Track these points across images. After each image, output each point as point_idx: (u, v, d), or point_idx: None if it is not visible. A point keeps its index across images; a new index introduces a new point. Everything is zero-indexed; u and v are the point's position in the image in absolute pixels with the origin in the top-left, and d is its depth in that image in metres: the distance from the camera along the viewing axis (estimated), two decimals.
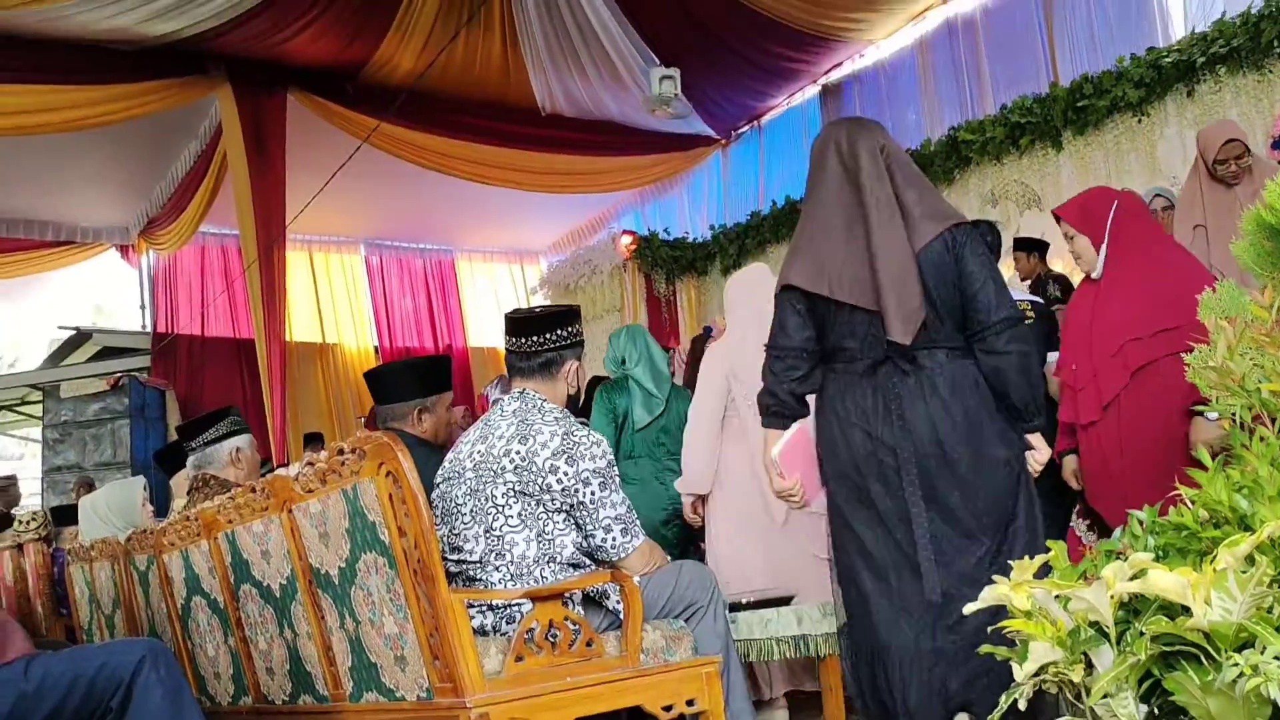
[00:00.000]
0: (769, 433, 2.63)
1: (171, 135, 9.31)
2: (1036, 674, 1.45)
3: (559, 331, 2.79)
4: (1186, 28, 7.00)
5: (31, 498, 10.25)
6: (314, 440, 8.19)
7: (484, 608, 2.53)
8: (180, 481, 4.33)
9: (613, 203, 12.32)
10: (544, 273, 12.44)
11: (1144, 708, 1.36)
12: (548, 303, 12.45)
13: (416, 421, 3.39)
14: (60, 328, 11.02)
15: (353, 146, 8.54)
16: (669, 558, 2.85)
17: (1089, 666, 1.40)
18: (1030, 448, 2.58)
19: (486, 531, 2.56)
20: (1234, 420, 1.74)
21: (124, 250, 11.34)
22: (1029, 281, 5.94)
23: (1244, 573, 1.28)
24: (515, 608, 2.50)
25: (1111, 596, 1.37)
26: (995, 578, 1.53)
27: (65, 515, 5.68)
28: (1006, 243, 5.45)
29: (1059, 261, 6.91)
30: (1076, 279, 6.50)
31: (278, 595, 2.65)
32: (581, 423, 2.77)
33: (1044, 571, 1.52)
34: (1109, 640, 1.38)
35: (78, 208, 10.48)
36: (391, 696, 2.34)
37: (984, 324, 2.44)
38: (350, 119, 8.87)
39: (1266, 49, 6.03)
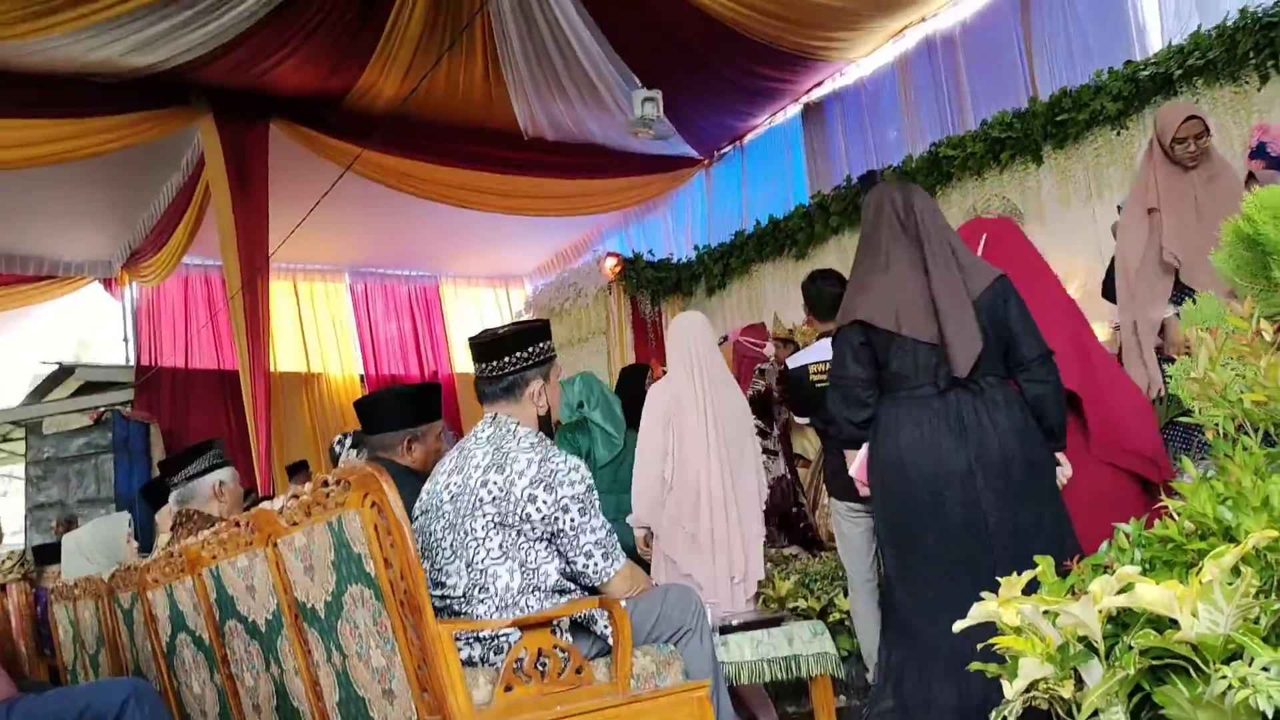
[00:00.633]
0: (847, 452, 3.06)
1: (154, 167, 9.29)
2: (1026, 690, 1.44)
3: (521, 352, 2.73)
4: (1163, 41, 7.06)
5: (15, 535, 10.17)
6: (297, 469, 8.14)
7: (470, 639, 2.50)
8: (165, 516, 4.30)
9: (597, 225, 12.33)
10: (529, 296, 12.44)
11: None
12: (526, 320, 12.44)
13: (406, 451, 3.37)
14: (43, 363, 10.96)
15: (336, 175, 8.53)
16: (651, 580, 2.82)
17: (1079, 682, 1.40)
18: (1059, 464, 2.98)
19: (468, 566, 2.52)
20: (1217, 431, 1.74)
21: (107, 283, 11.31)
22: None
23: (1230, 584, 1.27)
24: (503, 638, 2.47)
25: (1099, 611, 1.36)
26: (983, 595, 1.53)
27: (48, 554, 5.64)
28: None
29: None
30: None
31: (263, 630, 2.62)
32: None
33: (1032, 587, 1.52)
34: (1098, 655, 1.37)
35: (60, 241, 10.45)
36: None
37: (1028, 358, 2.89)
38: (333, 147, 8.87)
39: (1243, 60, 6.08)
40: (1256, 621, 1.28)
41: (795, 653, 3.52)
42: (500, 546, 2.51)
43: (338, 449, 4.97)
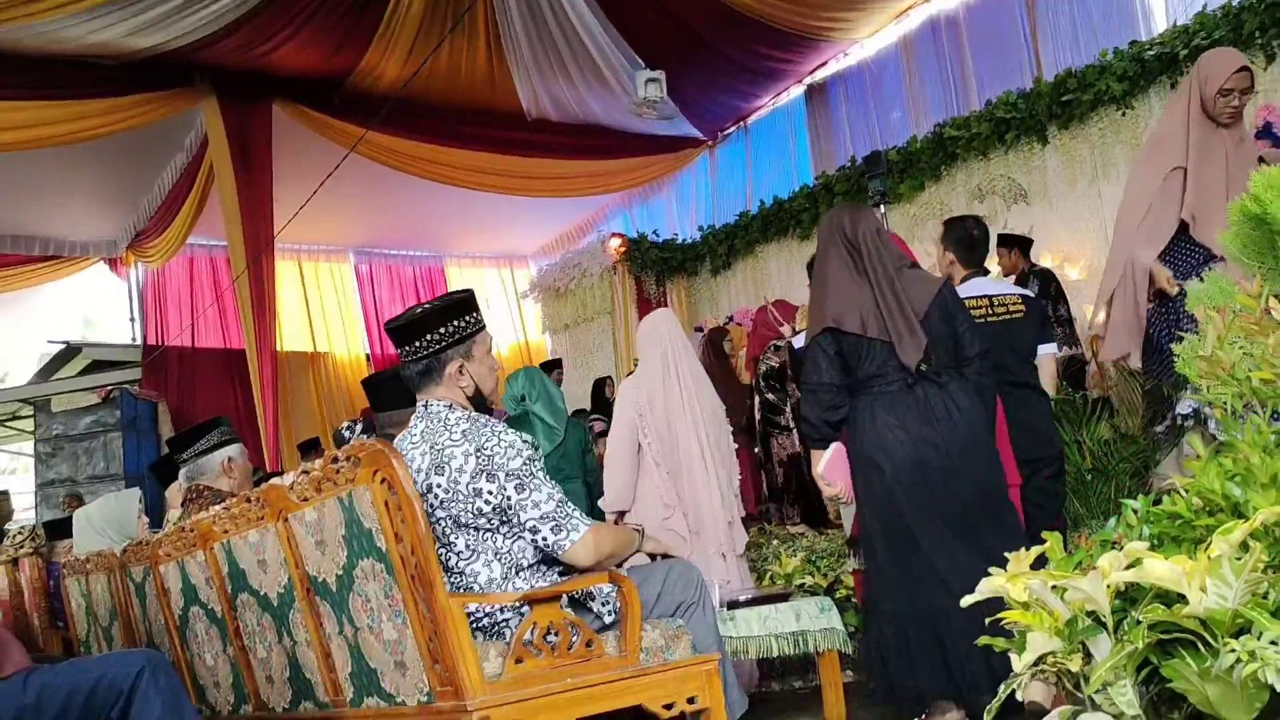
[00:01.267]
0: (814, 452, 3.33)
1: (158, 148, 9.29)
2: (1035, 664, 1.45)
3: (434, 333, 2.56)
4: (1168, 20, 7.04)
5: (25, 512, 10.22)
6: (309, 447, 8.17)
7: (473, 627, 2.47)
8: (174, 493, 4.32)
9: (601, 206, 12.33)
10: (534, 277, 12.45)
11: (1142, 695, 1.37)
12: (532, 304, 12.43)
13: None
14: (50, 342, 10.98)
15: (339, 155, 8.53)
16: (636, 535, 2.74)
17: (1087, 656, 1.41)
18: None
19: (448, 571, 2.47)
20: (1225, 408, 1.75)
21: (113, 263, 11.33)
22: (1012, 277, 5.93)
23: (1238, 559, 1.29)
24: (504, 623, 2.49)
25: (1108, 586, 1.37)
26: (991, 570, 1.54)
27: (59, 529, 5.67)
28: (992, 238, 5.46)
29: (1048, 256, 6.94)
30: (1061, 274, 6.54)
31: (275, 604, 2.65)
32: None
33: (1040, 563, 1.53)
34: (1106, 629, 1.38)
35: (65, 222, 10.46)
36: (392, 701, 2.34)
37: (969, 356, 3.28)
38: (336, 128, 8.86)
39: (1248, 40, 6.06)
40: (1265, 596, 1.29)
41: (803, 628, 3.55)
42: (467, 545, 2.48)
43: (346, 434, 4.98)
